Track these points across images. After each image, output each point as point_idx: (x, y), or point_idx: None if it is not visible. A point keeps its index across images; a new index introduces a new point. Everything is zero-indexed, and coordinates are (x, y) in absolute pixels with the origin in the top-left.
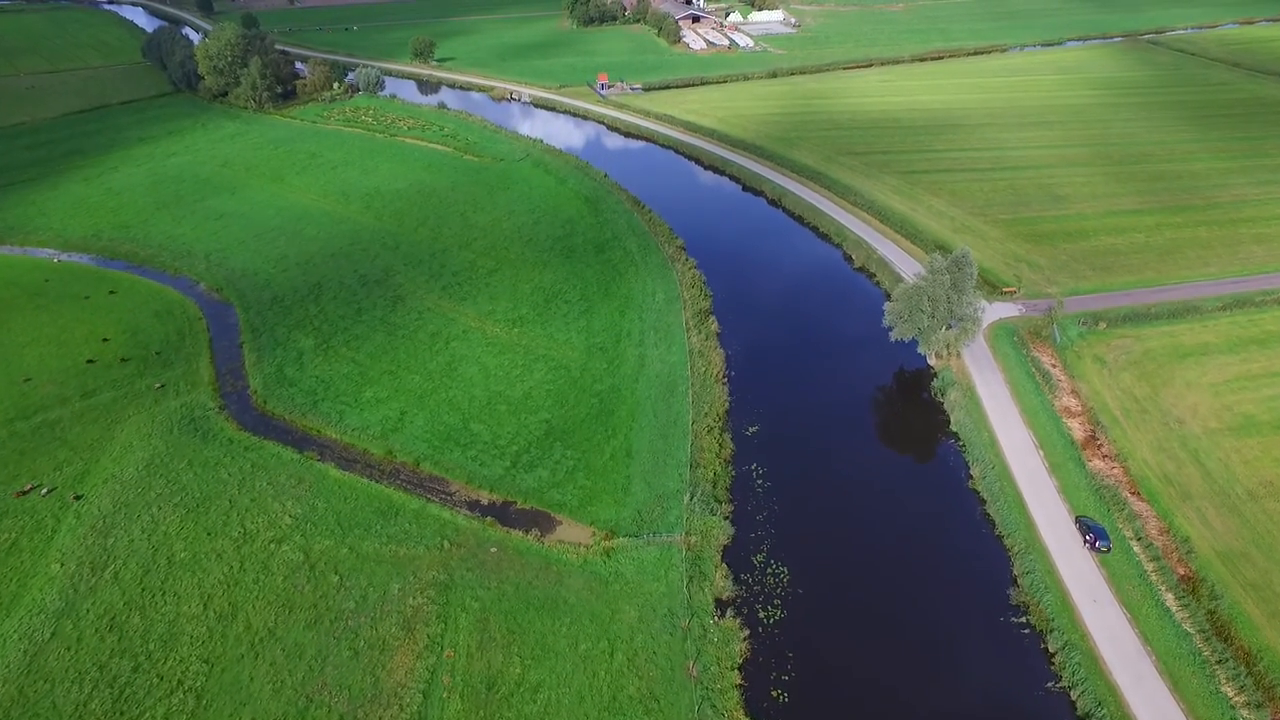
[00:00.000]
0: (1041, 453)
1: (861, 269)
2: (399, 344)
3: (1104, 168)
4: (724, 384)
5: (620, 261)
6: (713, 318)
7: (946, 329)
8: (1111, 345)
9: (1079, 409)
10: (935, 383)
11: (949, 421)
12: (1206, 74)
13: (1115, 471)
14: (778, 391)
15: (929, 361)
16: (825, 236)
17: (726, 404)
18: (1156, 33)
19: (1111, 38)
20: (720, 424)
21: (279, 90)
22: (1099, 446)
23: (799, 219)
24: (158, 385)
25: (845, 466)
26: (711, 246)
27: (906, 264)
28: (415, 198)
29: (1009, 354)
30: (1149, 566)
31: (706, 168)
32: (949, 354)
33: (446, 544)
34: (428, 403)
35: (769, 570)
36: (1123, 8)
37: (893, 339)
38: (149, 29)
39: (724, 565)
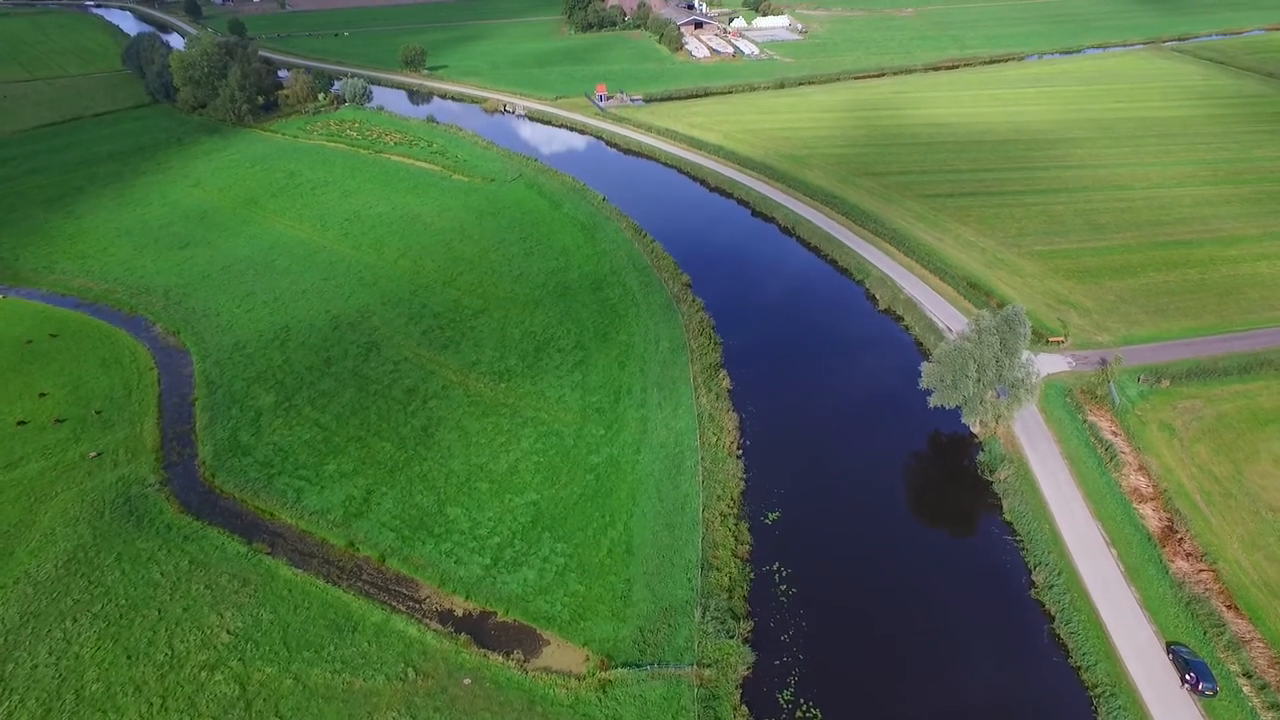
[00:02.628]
0: (1114, 552)
1: (888, 311)
2: (370, 402)
3: (1143, 191)
4: (738, 457)
5: (620, 301)
6: (723, 372)
7: (994, 396)
8: (1178, 408)
9: (1150, 490)
10: (981, 455)
11: (1000, 507)
12: (1239, 84)
13: (1204, 576)
14: (799, 464)
15: (972, 429)
16: (845, 272)
17: (742, 484)
18: (1180, 39)
19: (1132, 45)
20: (735, 509)
21: (260, 102)
22: (1180, 542)
23: (815, 250)
24: (94, 454)
25: (882, 566)
26: (720, 283)
27: (937, 305)
28: (397, 224)
29: (1063, 420)
30: (1266, 718)
31: (712, 190)
32: (997, 424)
33: (411, 673)
34: (398, 478)
35: (798, 714)
36: (1143, 13)
37: (932, 404)
38: (135, 35)
39: (743, 707)
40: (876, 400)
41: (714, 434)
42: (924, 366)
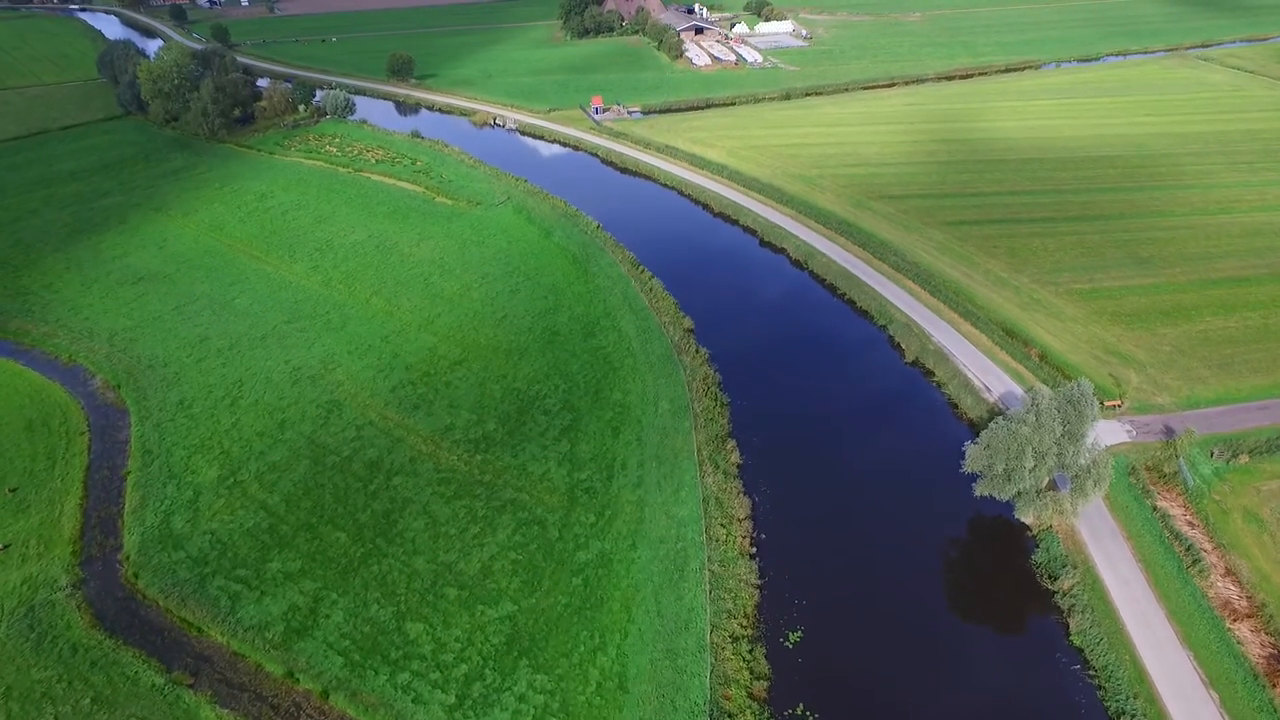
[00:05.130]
0: (1215, 696)
1: (915, 364)
2: (326, 478)
3: (1186, 218)
4: (751, 556)
5: (614, 351)
6: (732, 442)
7: (1051, 486)
8: (1263, 491)
9: (1244, 605)
10: (1037, 554)
11: (1066, 626)
12: (1274, 95)
13: None
14: (822, 563)
15: (1024, 519)
16: (865, 314)
17: (756, 594)
18: (1203, 46)
19: (1153, 52)
20: (750, 629)
21: (236, 115)
22: None
23: (831, 288)
24: (1, 547)
25: (929, 710)
26: (726, 328)
27: (971, 358)
28: (372, 256)
29: (1130, 508)
30: None
31: (716, 215)
32: (1056, 518)
33: None
34: (352, 582)
35: None
36: (1159, 19)
37: (978, 494)
38: (110, 42)
39: None
40: (906, 475)
41: (722, 524)
42: (969, 449)
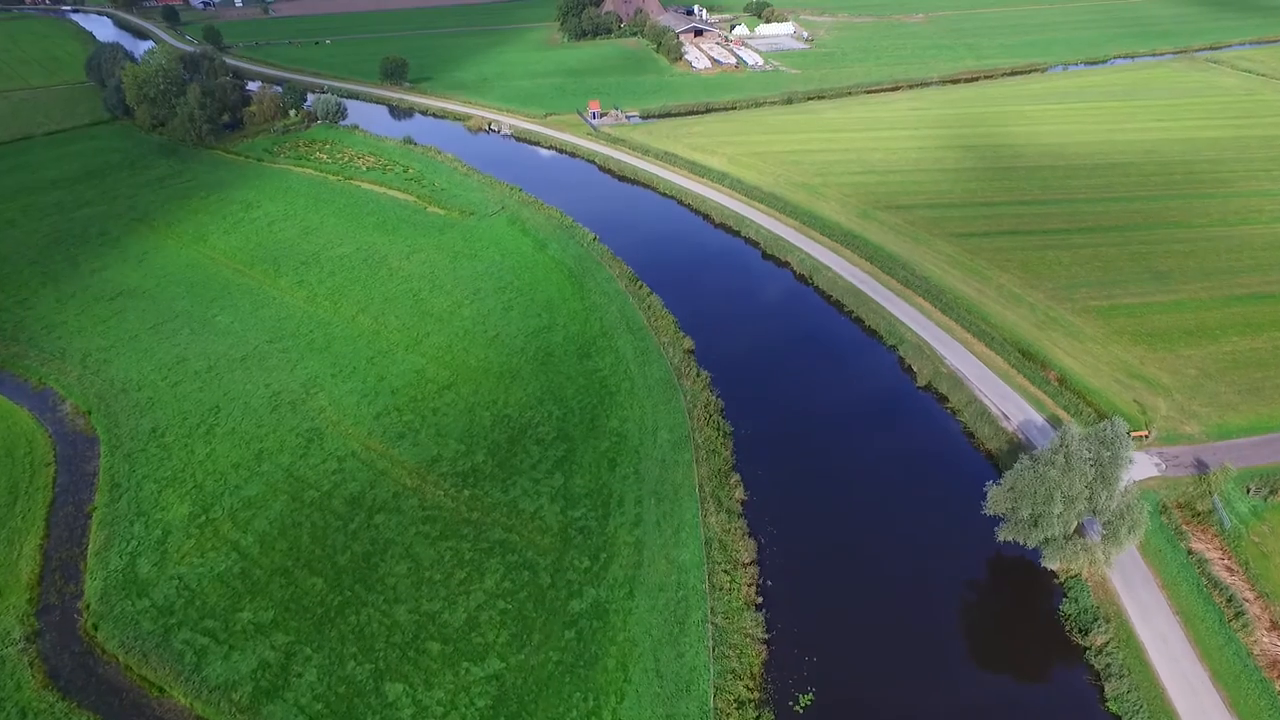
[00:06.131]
0: None
1: (928, 388)
2: (304, 515)
3: (1205, 229)
4: (757, 607)
5: (611, 374)
6: (735, 476)
7: (1079, 530)
8: None
9: None
10: (1065, 605)
11: (1100, 688)
12: None
13: None
14: (833, 612)
15: (1050, 566)
16: (874, 334)
17: (763, 651)
18: (1212, 48)
19: (1161, 54)
20: (756, 691)
21: (224, 120)
22: None
23: (837, 305)
24: None
25: None
26: (728, 348)
27: (987, 383)
28: (360, 270)
29: (1163, 552)
30: None
31: (717, 226)
32: (1087, 568)
33: None
34: (328, 634)
35: None
36: (1167, 20)
37: (1001, 539)
38: (99, 44)
39: None
40: (921, 513)
41: (726, 570)
42: (990, 491)
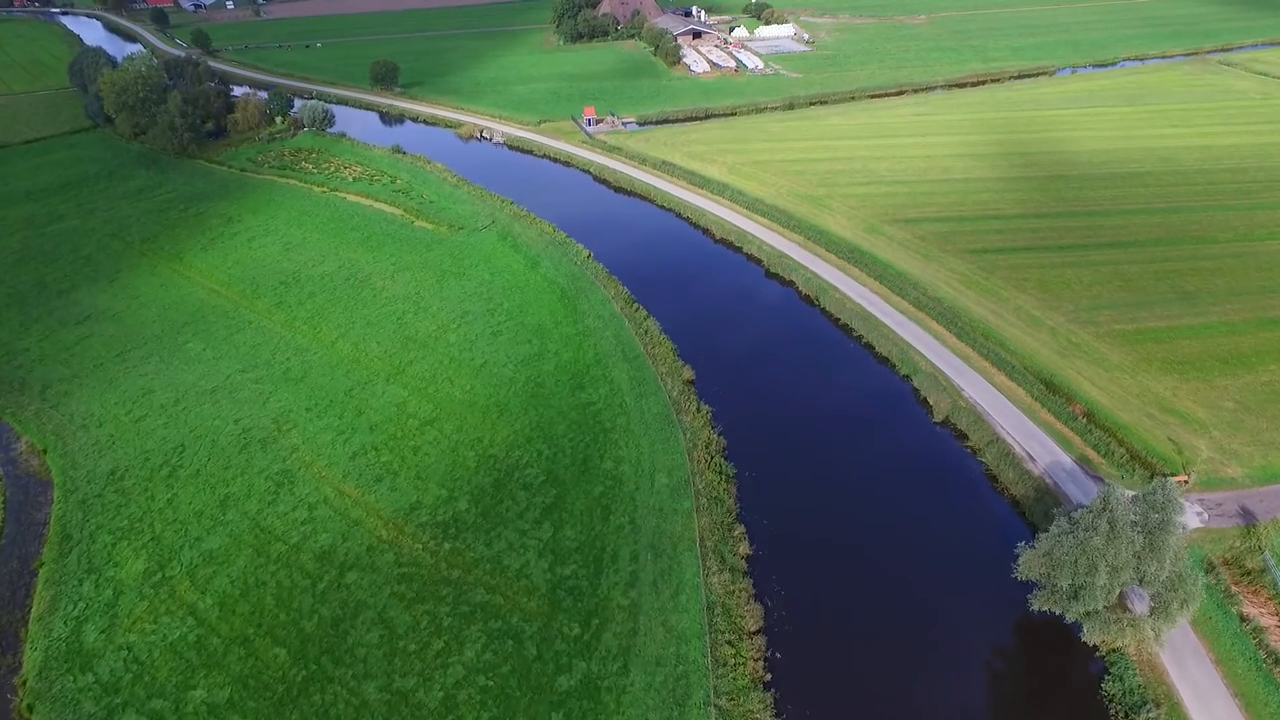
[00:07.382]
0: None
1: (946, 424)
2: (269, 573)
3: (1231, 245)
4: (764, 687)
5: (605, 408)
6: (740, 527)
7: (1123, 605)
8: None
9: None
10: (1108, 683)
11: None
12: None
13: None
14: (848, 687)
15: (1091, 641)
16: (886, 362)
17: None
18: (1224, 50)
19: (1171, 56)
20: None
21: (207, 128)
22: None
23: (845, 329)
24: None
25: None
26: (729, 379)
27: (1010, 419)
28: (342, 290)
29: (1214, 620)
30: None
31: (717, 241)
32: (1133, 642)
33: None
34: (289, 717)
35: None
36: (1175, 20)
37: (1036, 609)
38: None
39: None
40: (942, 570)
41: (730, 641)
42: (1022, 554)
